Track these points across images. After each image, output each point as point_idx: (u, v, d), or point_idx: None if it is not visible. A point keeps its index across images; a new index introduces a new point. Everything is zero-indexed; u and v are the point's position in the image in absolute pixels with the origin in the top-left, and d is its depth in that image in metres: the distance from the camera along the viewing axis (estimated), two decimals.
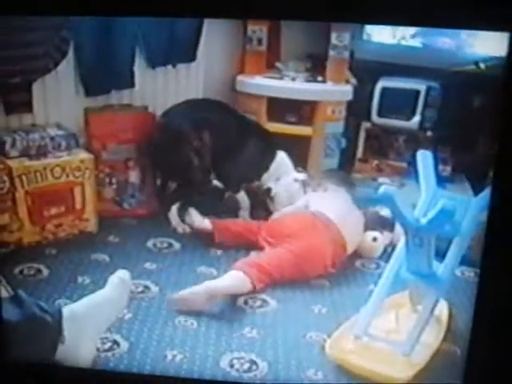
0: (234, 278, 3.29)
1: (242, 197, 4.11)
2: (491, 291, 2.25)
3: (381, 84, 4.41)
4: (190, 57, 4.29)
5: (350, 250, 3.66)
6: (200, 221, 3.81)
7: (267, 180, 4.12)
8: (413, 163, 3.05)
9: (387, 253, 3.58)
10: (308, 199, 3.94)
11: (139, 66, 4.14)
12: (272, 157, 4.12)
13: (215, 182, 4.11)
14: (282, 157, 4.14)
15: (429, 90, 4.29)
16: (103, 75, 3.99)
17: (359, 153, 4.64)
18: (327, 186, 4.04)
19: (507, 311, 2.27)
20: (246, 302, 3.23)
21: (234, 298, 3.23)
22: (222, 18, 3.61)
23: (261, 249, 3.64)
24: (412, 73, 4.28)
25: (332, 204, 3.80)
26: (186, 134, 3.88)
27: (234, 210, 4.11)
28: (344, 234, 3.60)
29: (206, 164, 3.96)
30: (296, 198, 4.03)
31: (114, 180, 4.06)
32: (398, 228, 3.37)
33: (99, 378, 2.70)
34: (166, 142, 3.89)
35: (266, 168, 4.12)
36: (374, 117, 4.49)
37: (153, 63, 4.18)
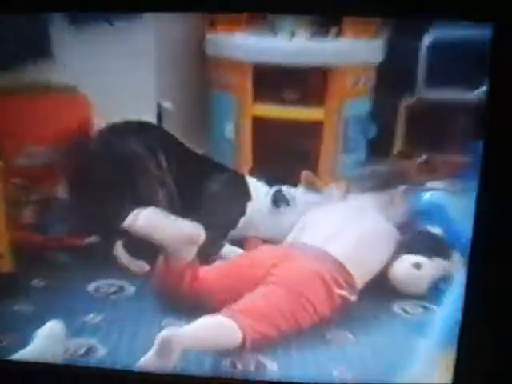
0: (219, 327, 2.86)
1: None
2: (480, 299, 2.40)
3: (431, 36, 3.61)
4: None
5: (357, 272, 3.21)
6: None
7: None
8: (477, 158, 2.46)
9: (440, 290, 3.06)
10: (304, 220, 3.56)
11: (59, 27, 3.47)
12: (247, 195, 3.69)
13: None
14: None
15: None
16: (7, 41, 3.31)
17: (398, 144, 3.88)
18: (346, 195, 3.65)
19: (495, 322, 2.40)
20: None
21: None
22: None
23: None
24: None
25: (324, 222, 3.47)
26: (144, 160, 3.57)
27: None
28: (337, 255, 3.21)
29: (173, 199, 3.55)
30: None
31: (32, 196, 3.52)
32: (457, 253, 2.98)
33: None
34: (118, 167, 3.55)
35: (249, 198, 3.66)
36: (421, 88, 3.76)
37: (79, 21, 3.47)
